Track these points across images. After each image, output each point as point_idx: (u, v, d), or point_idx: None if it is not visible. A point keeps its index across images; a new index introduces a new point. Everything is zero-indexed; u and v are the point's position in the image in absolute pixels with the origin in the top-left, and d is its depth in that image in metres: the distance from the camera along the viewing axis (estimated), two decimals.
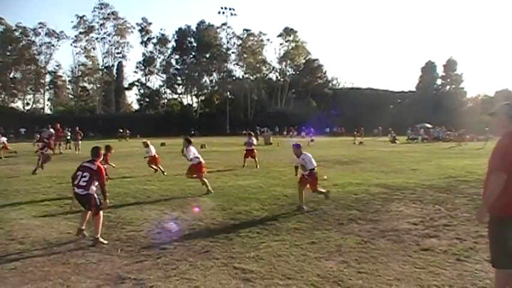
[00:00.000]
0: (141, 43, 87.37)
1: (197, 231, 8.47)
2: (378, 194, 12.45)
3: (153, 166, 17.82)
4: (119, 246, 7.38)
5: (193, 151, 13.31)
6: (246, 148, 21.17)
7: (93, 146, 8.21)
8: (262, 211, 10.25)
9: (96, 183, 7.69)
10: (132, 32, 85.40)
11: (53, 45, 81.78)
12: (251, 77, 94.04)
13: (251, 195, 12.44)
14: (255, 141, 22.51)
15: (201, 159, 13.15)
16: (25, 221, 9.33)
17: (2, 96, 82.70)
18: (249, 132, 23.23)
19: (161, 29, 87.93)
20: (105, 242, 7.50)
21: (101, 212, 7.82)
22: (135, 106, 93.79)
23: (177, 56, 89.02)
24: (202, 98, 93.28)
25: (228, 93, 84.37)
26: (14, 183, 15.15)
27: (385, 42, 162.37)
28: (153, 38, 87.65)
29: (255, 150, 21.17)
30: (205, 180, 12.93)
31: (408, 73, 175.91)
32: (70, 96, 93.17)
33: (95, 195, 7.75)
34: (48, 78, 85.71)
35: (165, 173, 17.29)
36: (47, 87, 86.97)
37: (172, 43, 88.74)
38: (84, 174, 7.66)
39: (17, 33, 79.03)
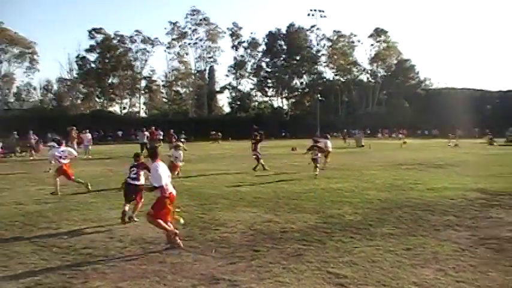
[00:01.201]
0: (232, 47, 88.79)
1: (290, 234, 8.39)
2: (476, 200, 11.82)
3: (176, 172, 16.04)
4: (213, 247, 7.46)
5: None
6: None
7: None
8: (356, 215, 10.03)
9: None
10: (223, 36, 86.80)
11: (148, 52, 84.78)
12: (341, 79, 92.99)
13: (343, 199, 12.20)
14: (328, 143, 21.34)
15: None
16: None
17: (101, 100, 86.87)
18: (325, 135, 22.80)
19: (251, 33, 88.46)
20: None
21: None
22: (227, 109, 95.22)
23: (267, 59, 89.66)
24: (293, 100, 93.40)
25: (319, 95, 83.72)
26: (112, 183, 15.74)
27: (481, 39, 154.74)
28: (244, 42, 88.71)
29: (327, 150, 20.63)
30: None
31: (507, 71, 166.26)
32: (164, 100, 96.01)
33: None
34: (143, 83, 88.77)
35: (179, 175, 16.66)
36: (143, 92, 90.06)
37: (263, 46, 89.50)
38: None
39: (115, 41, 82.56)
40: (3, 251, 7.31)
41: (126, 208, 9.50)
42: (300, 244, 7.60)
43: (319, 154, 18.38)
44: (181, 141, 35.88)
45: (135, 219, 9.39)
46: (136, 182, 9.86)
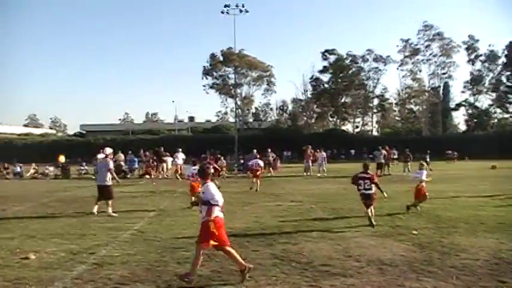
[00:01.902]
0: (468, 61, 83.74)
1: None
2: None
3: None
4: (453, 274, 7.03)
5: None
6: None
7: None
8: None
9: None
10: (458, 51, 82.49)
11: (380, 70, 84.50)
12: None
13: None
14: None
15: None
16: (360, 239, 9.68)
17: (334, 119, 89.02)
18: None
19: (490, 45, 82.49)
20: None
21: None
22: (462, 127, 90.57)
23: (508, 73, 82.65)
24: None
25: None
26: (347, 202, 15.96)
27: None
28: (481, 55, 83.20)
29: None
30: None
31: None
32: (397, 118, 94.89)
33: None
34: (376, 101, 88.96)
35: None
36: (375, 110, 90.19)
37: (503, 59, 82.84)
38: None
39: (347, 61, 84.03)
40: (247, 262, 7.82)
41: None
42: None
43: None
44: (426, 161, 35.12)
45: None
46: (370, 192, 11.52)
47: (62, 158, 32.25)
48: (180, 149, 32.40)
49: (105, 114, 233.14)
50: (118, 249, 8.91)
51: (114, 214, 13.92)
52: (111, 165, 14.98)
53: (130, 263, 7.92)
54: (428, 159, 35.89)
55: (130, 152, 33.05)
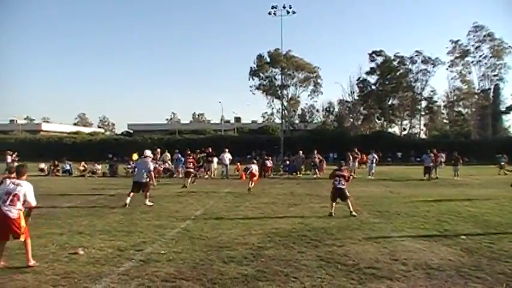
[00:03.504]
0: None
1: None
2: None
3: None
4: (503, 281, 6.83)
5: None
6: None
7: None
8: None
9: None
10: (510, 52, 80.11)
11: (429, 72, 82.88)
12: None
13: None
14: None
15: None
16: (407, 243, 9.50)
17: (381, 121, 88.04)
18: None
19: None
20: None
21: None
22: None
23: None
24: None
25: None
26: (393, 205, 15.75)
27: None
28: None
29: None
30: None
31: None
32: (445, 121, 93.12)
33: None
34: (423, 104, 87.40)
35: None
36: (423, 113, 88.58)
37: None
38: None
39: (395, 63, 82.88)
40: (293, 263, 7.78)
41: None
42: None
43: None
44: (502, 164, 34.66)
45: None
46: (342, 187, 13.73)
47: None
48: (227, 149, 32.60)
49: (153, 114, 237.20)
50: (164, 247, 9.01)
51: (150, 203, 15.53)
52: (151, 167, 16.27)
53: (176, 260, 7.99)
54: (503, 162, 35.80)
55: (177, 151, 33.36)
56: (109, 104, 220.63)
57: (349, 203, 13.53)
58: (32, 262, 7.61)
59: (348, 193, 13.79)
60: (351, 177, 16.36)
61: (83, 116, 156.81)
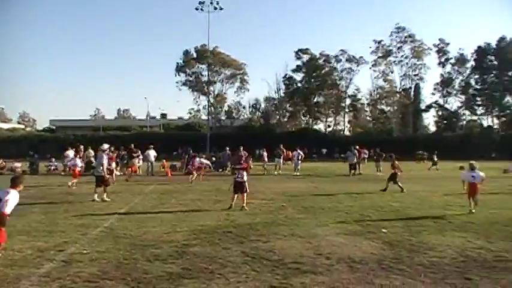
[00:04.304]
0: (439, 64, 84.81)
1: (504, 263, 7.70)
2: None
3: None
4: (421, 271, 7.14)
5: None
6: None
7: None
8: None
9: None
10: (429, 53, 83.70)
11: (353, 70, 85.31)
12: None
13: None
14: None
15: None
16: (331, 237, 9.73)
17: (307, 118, 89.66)
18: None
19: (460, 49, 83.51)
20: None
21: None
22: (432, 128, 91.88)
23: (476, 76, 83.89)
24: (504, 119, 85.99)
25: None
26: (318, 201, 16.06)
27: None
28: (451, 58, 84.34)
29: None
30: None
31: None
32: (368, 118, 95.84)
33: None
34: (348, 101, 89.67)
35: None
36: (347, 110, 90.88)
37: (472, 62, 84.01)
38: None
39: (320, 61, 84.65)
40: (218, 260, 7.80)
41: None
42: None
43: None
44: (434, 161, 36.46)
45: None
46: (242, 180, 14.09)
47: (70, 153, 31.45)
48: (152, 146, 32.12)
49: (77, 110, 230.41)
50: (87, 247, 8.79)
51: (107, 199, 16.16)
52: (103, 160, 17.08)
53: (99, 260, 7.82)
54: (436, 159, 37.33)
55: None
56: (30, 99, 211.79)
57: (245, 197, 14.16)
58: None
59: (247, 187, 14.44)
60: (250, 167, 17.50)
61: (1, 110, 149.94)
